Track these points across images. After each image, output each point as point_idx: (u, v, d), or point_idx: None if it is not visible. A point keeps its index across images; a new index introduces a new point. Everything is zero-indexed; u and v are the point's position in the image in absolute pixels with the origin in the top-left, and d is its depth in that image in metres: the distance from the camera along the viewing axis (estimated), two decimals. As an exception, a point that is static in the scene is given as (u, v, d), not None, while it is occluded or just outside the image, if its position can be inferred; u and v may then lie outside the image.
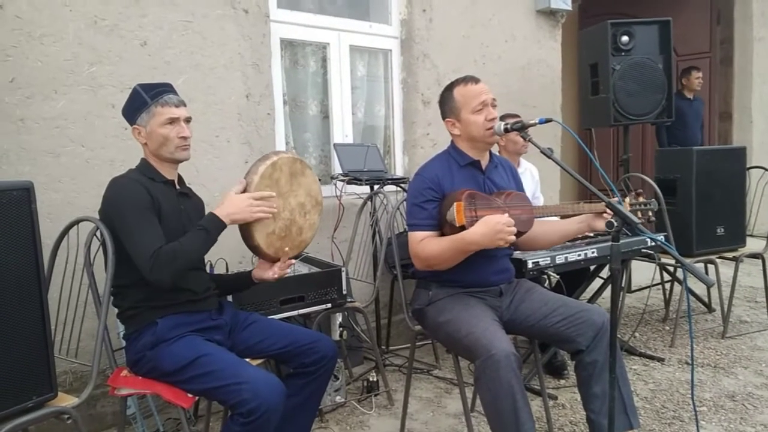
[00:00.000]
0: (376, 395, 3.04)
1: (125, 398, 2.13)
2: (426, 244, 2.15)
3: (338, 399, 2.93)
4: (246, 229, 2.07)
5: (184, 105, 2.08)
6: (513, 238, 2.04)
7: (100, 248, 2.06)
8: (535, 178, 3.61)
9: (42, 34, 2.61)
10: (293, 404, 2.10)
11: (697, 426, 2.22)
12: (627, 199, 2.45)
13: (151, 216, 1.93)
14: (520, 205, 2.21)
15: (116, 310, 2.06)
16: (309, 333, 2.22)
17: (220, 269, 2.79)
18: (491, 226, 1.99)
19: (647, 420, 2.68)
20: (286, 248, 2.16)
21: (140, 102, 2.03)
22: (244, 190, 2.04)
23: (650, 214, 2.46)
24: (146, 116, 2.02)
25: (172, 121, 2.02)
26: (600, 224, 2.20)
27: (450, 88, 2.29)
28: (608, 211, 2.14)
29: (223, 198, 2.03)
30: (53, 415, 1.74)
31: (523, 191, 2.38)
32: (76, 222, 2.23)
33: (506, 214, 2.05)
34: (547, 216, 2.28)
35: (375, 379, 3.07)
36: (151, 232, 1.89)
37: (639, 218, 2.44)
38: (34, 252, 1.68)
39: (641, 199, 2.45)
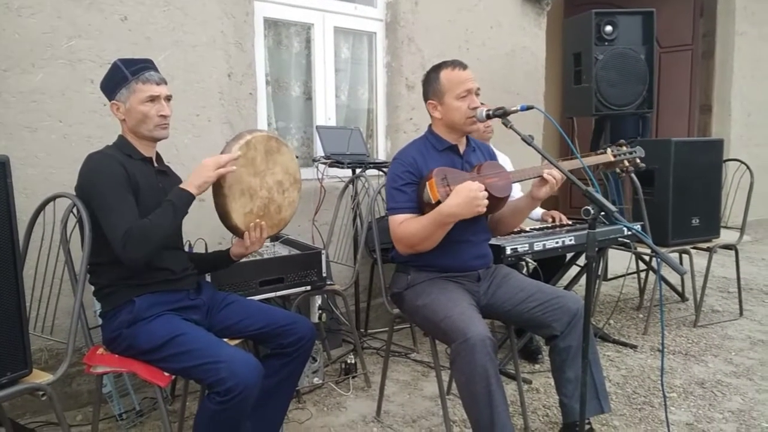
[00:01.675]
0: (353, 377, 3.06)
1: (101, 376, 2.12)
2: (406, 226, 2.16)
3: (316, 380, 2.95)
4: (223, 210, 2.05)
5: (165, 83, 2.05)
6: (486, 202, 2.03)
7: (77, 225, 2.04)
8: (509, 167, 3.62)
9: (20, 6, 2.55)
10: (270, 385, 2.11)
11: (666, 411, 2.28)
12: (609, 150, 2.47)
13: (126, 193, 1.91)
14: (494, 173, 2.21)
15: (93, 288, 2.05)
16: (287, 314, 2.22)
17: (199, 249, 2.77)
18: (464, 194, 2.00)
19: (618, 405, 2.74)
20: (261, 222, 2.13)
21: (120, 77, 1.99)
22: None
23: (638, 161, 2.48)
24: (126, 92, 1.98)
25: (153, 98, 1.99)
26: (542, 190, 2.19)
27: (437, 69, 2.27)
28: (550, 175, 2.16)
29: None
30: (27, 391, 1.73)
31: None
32: (53, 198, 2.20)
33: (476, 181, 2.06)
34: (524, 179, 2.28)
35: (353, 362, 3.10)
36: (124, 211, 1.87)
37: (626, 167, 2.47)
38: (9, 228, 1.65)
39: (625, 148, 2.47)
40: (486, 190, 2.06)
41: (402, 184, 2.21)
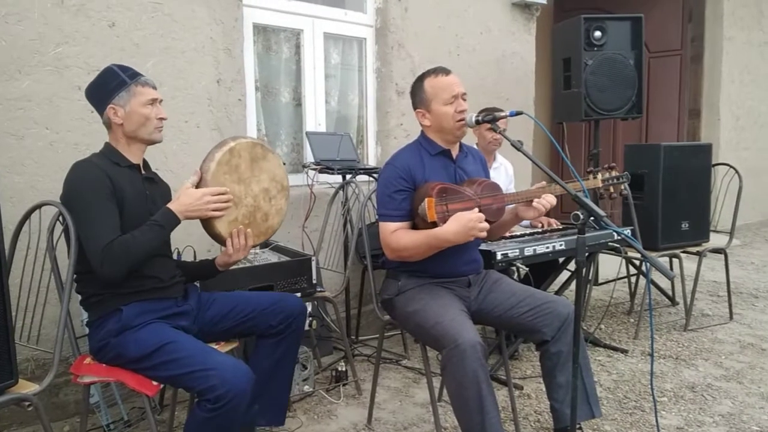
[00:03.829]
0: (344, 385, 3.04)
1: (88, 386, 2.10)
2: (399, 237, 2.16)
3: (306, 388, 2.93)
4: (197, 218, 2.03)
5: (156, 88, 2.08)
6: (485, 234, 2.07)
7: (63, 233, 2.02)
8: (509, 174, 3.64)
9: (7, 12, 2.53)
10: (267, 366, 2.14)
11: (657, 416, 2.27)
12: (599, 176, 2.50)
13: (110, 204, 1.89)
14: (492, 194, 2.24)
15: (79, 297, 2.02)
16: (272, 294, 2.25)
17: (187, 257, 2.75)
18: (463, 224, 2.02)
19: (609, 409, 2.74)
20: (247, 229, 2.11)
21: (119, 81, 2.00)
22: (200, 180, 2.02)
23: (623, 187, 2.53)
24: (126, 95, 1.99)
25: (152, 101, 2.02)
26: (528, 213, 2.26)
27: (421, 79, 2.30)
28: (540, 204, 2.22)
29: (178, 192, 2.00)
30: (13, 402, 1.71)
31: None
32: (39, 206, 2.18)
33: (476, 209, 2.08)
34: (518, 202, 2.30)
35: (344, 369, 3.08)
36: (105, 224, 1.85)
37: (612, 192, 2.52)
38: (-7, 236, 1.64)
39: (614, 173, 2.52)
40: (480, 211, 2.08)
41: (394, 191, 2.21)
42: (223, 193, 2.02)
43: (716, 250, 3.90)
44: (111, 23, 2.80)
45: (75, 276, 1.98)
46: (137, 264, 1.89)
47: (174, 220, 1.95)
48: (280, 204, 2.23)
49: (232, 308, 2.15)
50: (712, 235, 3.98)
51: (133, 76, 2.02)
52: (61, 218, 2.01)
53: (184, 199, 1.96)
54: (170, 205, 1.96)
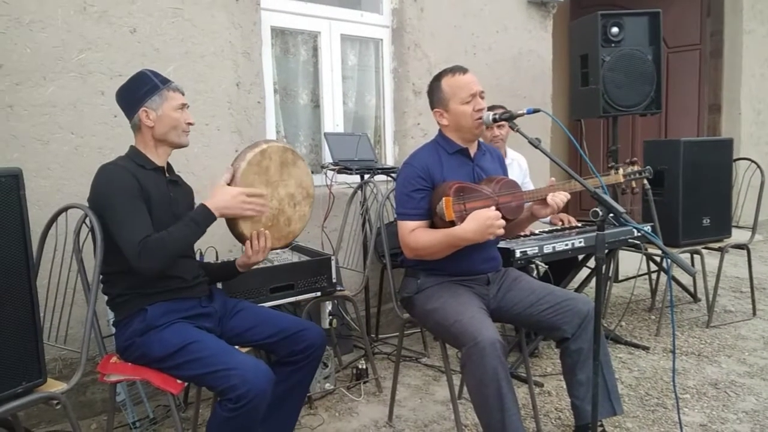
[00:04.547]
0: (365, 382, 3.07)
1: (114, 385, 2.14)
2: (418, 236, 2.18)
3: (327, 386, 2.96)
4: (231, 217, 2.07)
5: (184, 93, 2.14)
6: (502, 231, 2.07)
7: (89, 235, 2.06)
8: (523, 168, 3.63)
9: (30, 20, 2.59)
10: (281, 392, 2.12)
11: (679, 413, 2.26)
12: (621, 171, 2.49)
13: (140, 204, 1.93)
14: (510, 192, 2.24)
15: (106, 297, 2.07)
16: (297, 321, 2.23)
17: (209, 258, 2.79)
18: (480, 222, 2.03)
19: (631, 407, 2.72)
20: (265, 231, 2.13)
21: (152, 85, 2.05)
22: (232, 178, 2.05)
23: (645, 181, 2.52)
24: (159, 99, 2.04)
25: (182, 106, 2.08)
26: (543, 211, 2.28)
27: (438, 78, 2.30)
28: (554, 201, 2.24)
29: (213, 189, 2.03)
30: (42, 400, 1.75)
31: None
32: (65, 209, 2.23)
33: (493, 207, 2.09)
34: (537, 199, 2.30)
35: (364, 367, 3.10)
36: (139, 221, 1.89)
37: (634, 187, 2.52)
38: (22, 239, 1.68)
39: (636, 168, 2.50)
40: (498, 209, 2.09)
41: (413, 190, 2.22)
42: (259, 196, 2.05)
43: (738, 246, 3.86)
44: (132, 29, 2.85)
45: (102, 277, 2.02)
46: (173, 259, 1.92)
47: (210, 218, 1.97)
48: (303, 210, 2.26)
49: (256, 324, 2.15)
50: (734, 231, 3.94)
51: (165, 81, 2.08)
52: (87, 220, 2.05)
53: (220, 197, 1.99)
54: (206, 203, 1.99)
